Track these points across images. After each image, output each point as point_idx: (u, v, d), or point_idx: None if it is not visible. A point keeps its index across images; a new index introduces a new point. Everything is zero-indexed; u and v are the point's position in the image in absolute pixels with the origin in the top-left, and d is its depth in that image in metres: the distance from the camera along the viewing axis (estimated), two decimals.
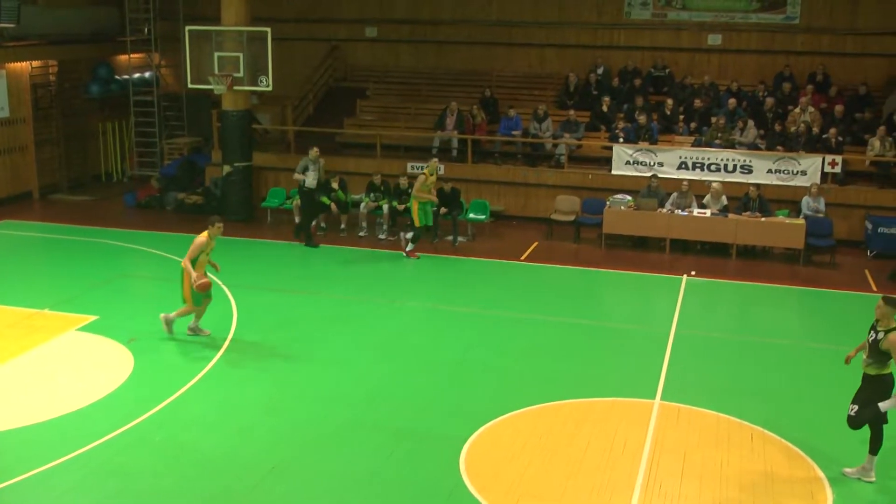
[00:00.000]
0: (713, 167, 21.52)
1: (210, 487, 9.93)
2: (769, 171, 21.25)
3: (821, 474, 10.61)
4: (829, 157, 21.09)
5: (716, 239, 20.23)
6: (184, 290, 14.09)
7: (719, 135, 21.94)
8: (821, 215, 20.20)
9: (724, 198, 20.34)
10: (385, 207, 20.94)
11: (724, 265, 19.52)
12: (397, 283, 17.82)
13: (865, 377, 10.43)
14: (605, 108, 23.77)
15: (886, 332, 10.17)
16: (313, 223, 20.74)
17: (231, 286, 16.50)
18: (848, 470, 10.62)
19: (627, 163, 21.91)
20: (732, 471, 10.63)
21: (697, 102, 23.43)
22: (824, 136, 21.75)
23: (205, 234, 14.05)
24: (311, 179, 20.04)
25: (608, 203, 20.61)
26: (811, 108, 22.56)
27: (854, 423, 10.41)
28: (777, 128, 22.15)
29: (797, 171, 21.13)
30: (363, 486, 10.02)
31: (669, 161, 21.70)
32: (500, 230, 21.96)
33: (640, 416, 11.91)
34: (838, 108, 22.74)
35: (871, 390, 10.33)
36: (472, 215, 21.40)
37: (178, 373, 12.95)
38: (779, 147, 21.57)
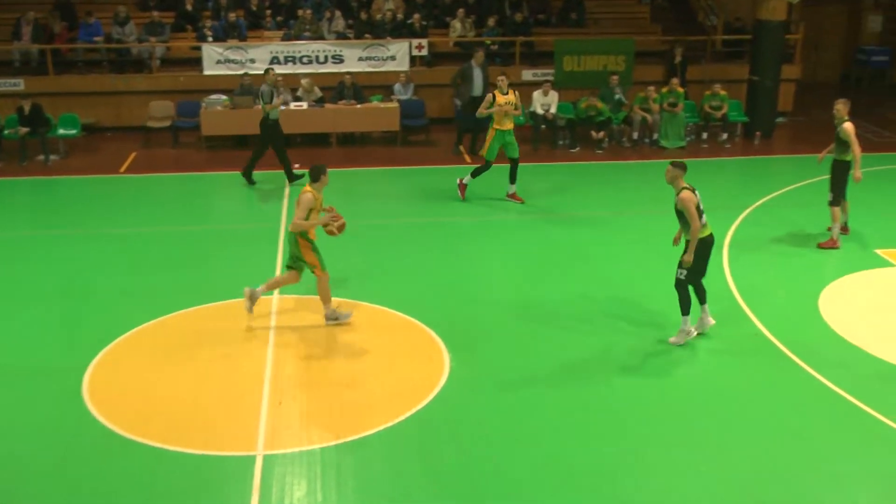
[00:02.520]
0: (305, 59, 21.52)
1: None
2: (360, 59, 21.58)
3: (436, 337, 11.19)
4: (415, 42, 21.73)
5: (315, 130, 20.37)
6: (305, 257, 11.49)
7: (307, 27, 21.92)
8: (413, 98, 20.93)
9: (317, 88, 20.45)
10: None
11: (326, 154, 19.75)
12: None
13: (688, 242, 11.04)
14: (189, 7, 22.97)
15: (677, 193, 10.81)
16: None
17: None
18: (673, 339, 11.31)
19: (219, 62, 21.40)
20: (357, 347, 10.92)
21: None
22: (409, 21, 22.35)
23: (308, 189, 11.36)
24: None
25: (203, 105, 20.08)
26: None
27: (679, 285, 11.10)
28: (363, 16, 22.47)
29: (387, 57, 21.63)
30: None
31: (261, 57, 21.43)
32: (95, 144, 20.84)
33: (262, 310, 11.85)
34: None
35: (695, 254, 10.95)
36: (61, 131, 20.09)
37: None
38: (367, 35, 21.92)
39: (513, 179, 16.51)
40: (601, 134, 20.31)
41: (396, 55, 21.59)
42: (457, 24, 22.42)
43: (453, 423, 9.45)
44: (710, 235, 11.11)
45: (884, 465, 8.97)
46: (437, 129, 21.23)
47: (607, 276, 13.30)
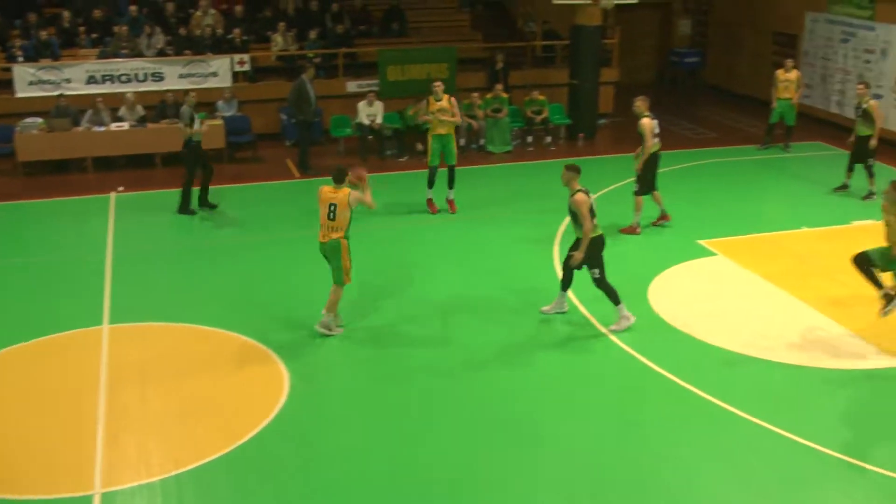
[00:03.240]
0: (124, 78, 20.88)
1: None
2: (181, 76, 21.09)
3: (274, 355, 11.04)
4: (236, 57, 21.42)
5: (139, 150, 19.79)
6: (344, 265, 11.60)
7: (124, 44, 21.32)
8: (238, 114, 20.61)
9: (139, 107, 19.92)
10: None
11: (151, 175, 19.23)
12: None
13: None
14: None
15: (572, 195, 11.31)
16: None
17: None
18: (613, 326, 11.84)
19: (31, 83, 20.51)
20: (193, 372, 10.66)
21: (97, 13, 22.49)
22: (229, 36, 22.01)
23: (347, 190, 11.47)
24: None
25: (18, 129, 19.24)
26: (213, 11, 22.67)
27: (599, 284, 11.69)
28: (182, 32, 22.01)
29: (209, 73, 21.22)
30: None
31: (77, 76, 20.66)
32: None
33: (92, 344, 11.43)
34: (238, 8, 23.10)
35: (587, 253, 11.37)
36: None
37: None
38: (187, 51, 21.47)
39: (451, 185, 16.74)
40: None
41: (218, 71, 21.21)
42: (278, 38, 22.20)
43: (297, 441, 9.35)
44: (601, 235, 11.62)
45: (720, 443, 9.41)
46: (263, 145, 20.97)
47: (438, 286, 13.40)
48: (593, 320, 12.14)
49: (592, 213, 11.46)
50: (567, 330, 11.95)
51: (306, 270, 13.74)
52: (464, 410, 9.99)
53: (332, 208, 11.31)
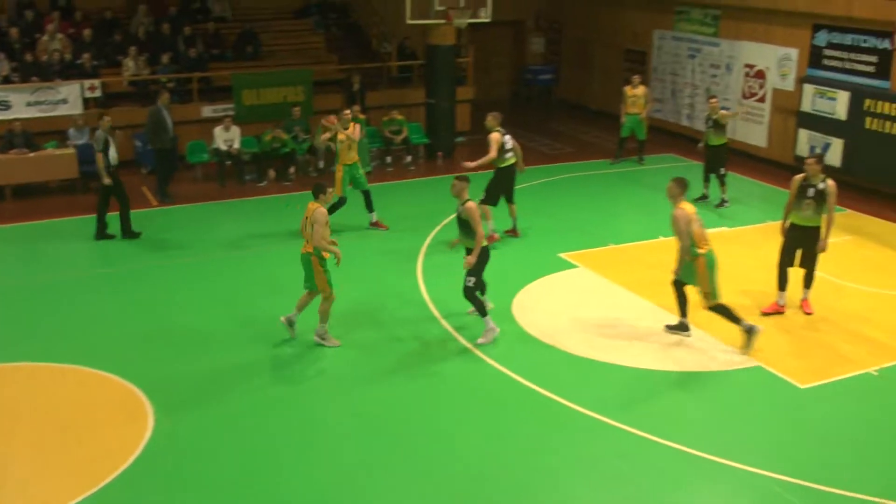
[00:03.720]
0: None
1: None
2: (28, 103, 20.41)
3: (136, 390, 10.74)
4: (87, 82, 20.85)
5: None
6: (317, 279, 11.81)
7: None
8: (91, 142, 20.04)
9: None
10: None
11: (0, 209, 18.53)
12: None
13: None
14: None
15: (462, 204, 11.71)
16: None
17: None
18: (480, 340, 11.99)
19: None
20: (50, 412, 10.27)
21: None
22: (78, 61, 21.42)
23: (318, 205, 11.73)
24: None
25: None
26: (60, 35, 22.03)
27: (469, 293, 11.87)
28: (28, 58, 21.30)
29: (58, 100, 20.60)
30: None
31: None
32: None
33: None
34: (87, 32, 22.49)
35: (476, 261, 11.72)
36: None
37: None
38: (34, 78, 20.79)
39: (370, 208, 16.75)
40: (290, 170, 20.28)
41: (68, 98, 20.59)
42: (129, 63, 21.71)
43: (163, 478, 9.09)
44: (488, 247, 11.92)
45: (588, 451, 9.58)
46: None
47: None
48: (458, 335, 12.20)
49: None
50: (432, 345, 11.99)
51: (167, 301, 13.45)
52: (334, 433, 9.90)
53: (305, 222, 11.67)
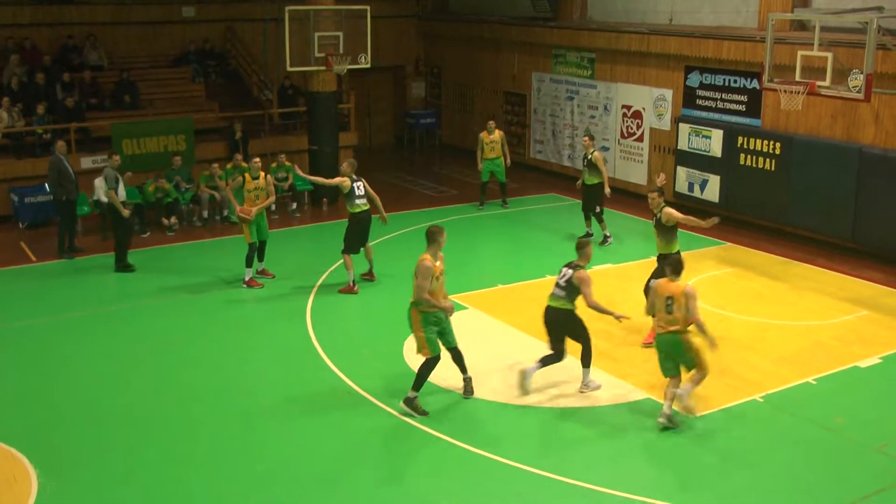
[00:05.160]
0: None
1: None
2: None
3: (19, 455, 10.33)
4: None
5: None
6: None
7: None
8: None
9: None
10: None
11: None
12: None
13: None
14: None
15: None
16: None
17: None
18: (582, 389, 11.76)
19: None
20: None
21: None
22: None
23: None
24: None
25: None
26: None
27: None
28: None
29: None
30: None
31: None
32: None
33: None
34: None
35: None
36: None
37: None
38: None
39: (261, 258, 16.48)
40: (171, 220, 19.88)
41: None
42: (3, 114, 21.11)
43: None
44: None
45: (481, 491, 9.61)
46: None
47: (193, 361, 13.02)
48: (347, 379, 12.11)
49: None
50: (323, 390, 11.85)
51: (47, 360, 13.04)
52: (221, 488, 9.69)
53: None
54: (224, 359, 13.06)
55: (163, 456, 10.36)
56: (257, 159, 16.61)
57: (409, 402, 11.14)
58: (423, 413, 11.08)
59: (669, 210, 13.20)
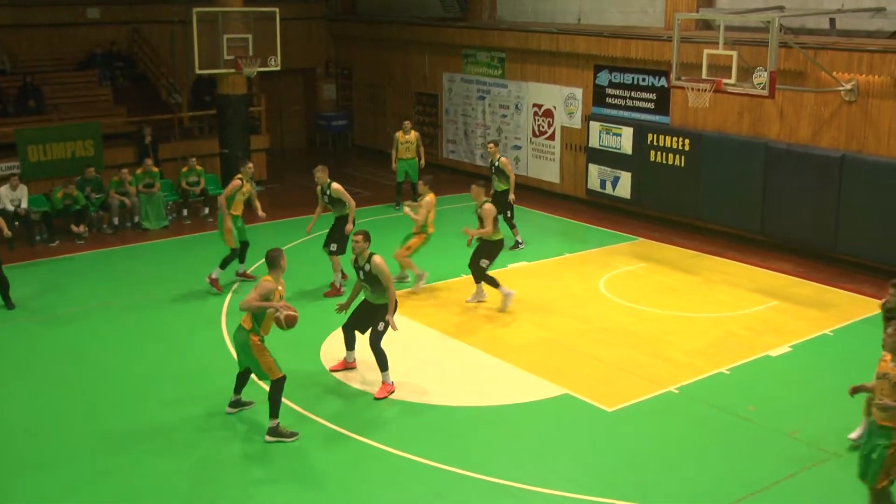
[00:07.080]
0: None
1: None
2: None
3: None
4: None
5: None
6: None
7: None
8: None
9: None
10: None
11: None
12: None
13: None
14: None
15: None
16: None
17: None
18: None
19: None
20: None
21: None
22: None
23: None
24: None
25: None
26: None
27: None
28: None
29: None
30: None
31: None
32: None
33: None
34: None
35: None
36: None
37: None
38: None
39: (242, 259, 16.50)
40: (81, 227, 19.42)
41: None
42: None
43: None
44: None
45: (403, 492, 9.63)
46: None
47: (106, 376, 12.77)
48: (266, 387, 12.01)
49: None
50: (259, 412, 11.72)
51: None
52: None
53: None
54: (130, 367, 12.85)
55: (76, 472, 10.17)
56: (250, 164, 16.62)
57: (274, 431, 10.70)
58: (293, 435, 10.73)
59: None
